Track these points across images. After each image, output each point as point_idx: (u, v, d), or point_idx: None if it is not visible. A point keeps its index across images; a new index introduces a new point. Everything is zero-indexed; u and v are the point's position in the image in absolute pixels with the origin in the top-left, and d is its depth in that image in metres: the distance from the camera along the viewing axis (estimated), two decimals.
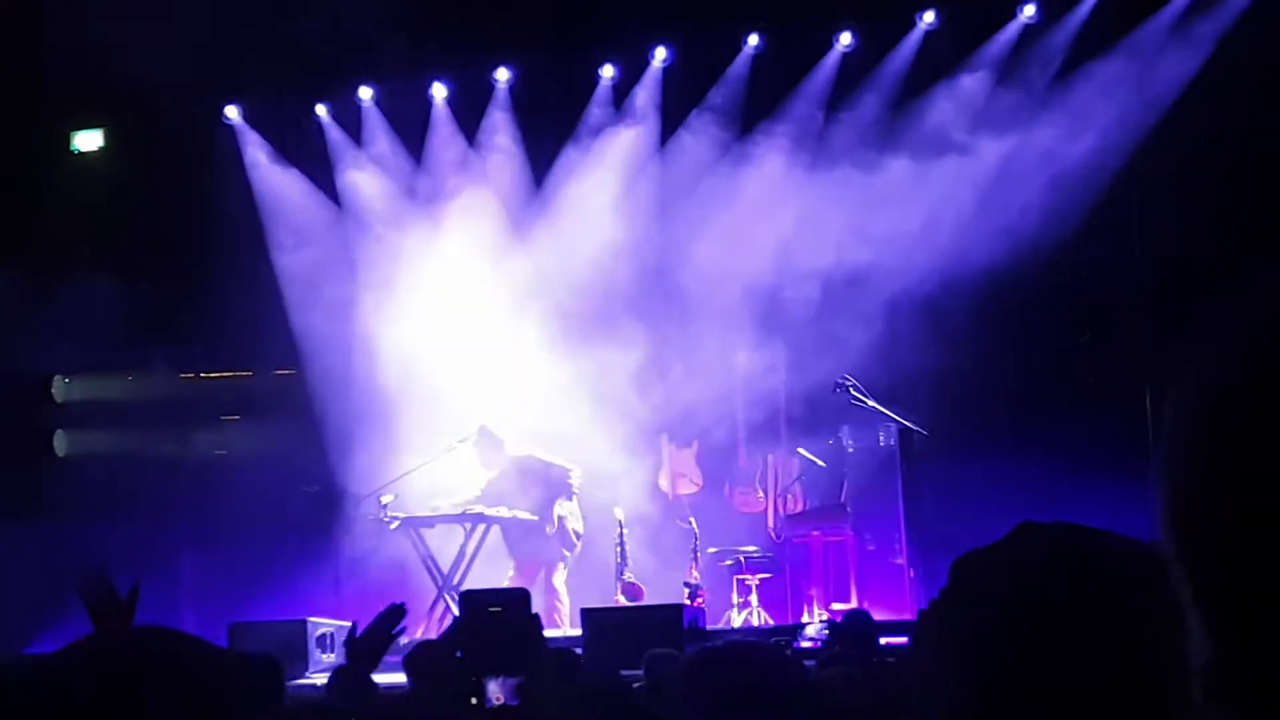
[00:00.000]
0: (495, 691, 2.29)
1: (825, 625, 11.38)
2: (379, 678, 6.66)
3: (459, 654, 2.41)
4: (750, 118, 14.37)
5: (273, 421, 14.92)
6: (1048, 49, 13.71)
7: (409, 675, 2.36)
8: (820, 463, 13.26)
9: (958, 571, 1.78)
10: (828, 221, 13.55)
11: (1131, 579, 1.69)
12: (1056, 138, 13.35)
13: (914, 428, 12.63)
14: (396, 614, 4.12)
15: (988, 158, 13.51)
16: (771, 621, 12.43)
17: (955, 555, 1.80)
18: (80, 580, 3.95)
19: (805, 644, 11.17)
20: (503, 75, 14.74)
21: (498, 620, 2.23)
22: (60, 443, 15.00)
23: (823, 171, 13.82)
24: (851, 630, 9.03)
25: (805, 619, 12.55)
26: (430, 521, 12.91)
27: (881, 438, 12.88)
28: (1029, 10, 13.80)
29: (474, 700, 2.43)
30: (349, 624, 11.71)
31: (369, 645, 4.08)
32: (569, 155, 14.69)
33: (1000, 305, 13.08)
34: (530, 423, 13.49)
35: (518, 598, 2.41)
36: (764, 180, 14.07)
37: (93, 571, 4.05)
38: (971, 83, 13.82)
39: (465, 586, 12.23)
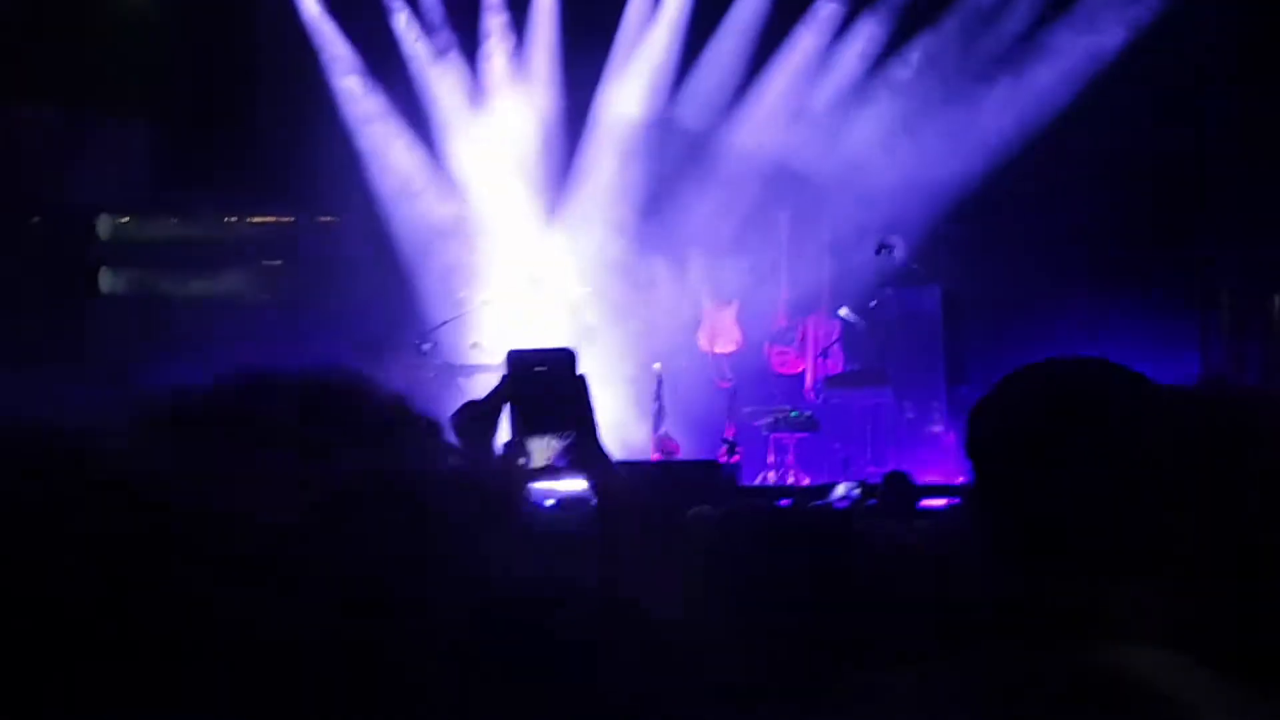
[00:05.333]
0: (545, 451, 2.28)
1: (856, 485, 11.40)
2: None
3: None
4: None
5: (315, 268, 14.94)
6: None
7: (455, 434, 2.33)
8: (862, 324, 13.20)
9: (973, 412, 1.86)
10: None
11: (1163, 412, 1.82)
12: None
13: (957, 291, 12.57)
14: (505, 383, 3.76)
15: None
16: (808, 480, 12.45)
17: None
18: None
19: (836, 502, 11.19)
20: None
21: (543, 379, 2.21)
22: (105, 279, 15.04)
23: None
24: (891, 490, 9.04)
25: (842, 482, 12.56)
26: (468, 370, 12.94)
27: (925, 300, 12.80)
28: None
29: (520, 460, 2.41)
30: None
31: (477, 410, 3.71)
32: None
33: (1049, 183, 12.96)
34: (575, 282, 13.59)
35: (564, 357, 2.33)
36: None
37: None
38: None
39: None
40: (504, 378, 2.57)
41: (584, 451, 2.46)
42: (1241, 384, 10.82)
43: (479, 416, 2.48)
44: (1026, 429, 1.81)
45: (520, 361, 2.60)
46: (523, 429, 2.50)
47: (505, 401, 2.51)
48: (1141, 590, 1.70)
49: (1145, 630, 1.68)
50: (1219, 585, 1.81)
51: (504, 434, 2.53)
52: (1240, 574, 1.83)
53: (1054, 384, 1.86)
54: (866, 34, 13.81)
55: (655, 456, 12.51)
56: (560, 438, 2.47)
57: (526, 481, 2.47)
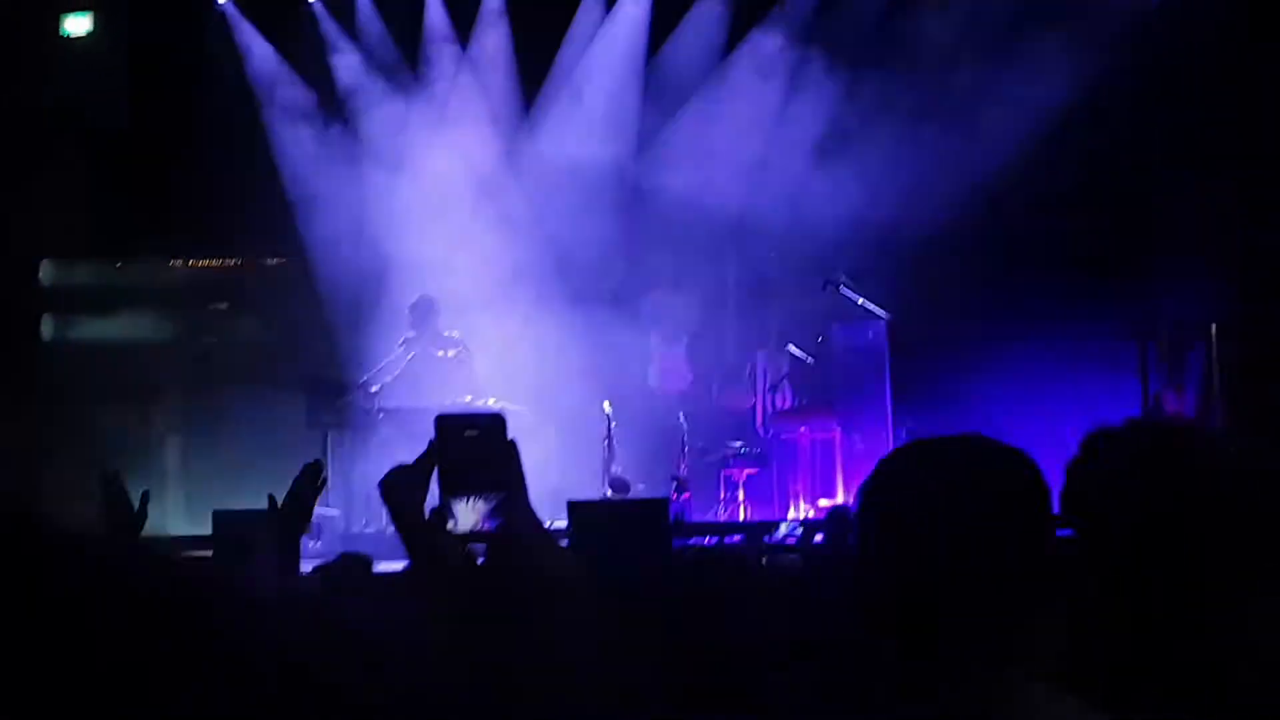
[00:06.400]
0: (471, 514, 2.29)
1: (797, 524, 11.43)
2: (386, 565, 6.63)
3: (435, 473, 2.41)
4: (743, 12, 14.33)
5: (262, 310, 14.90)
6: None
7: (384, 499, 2.37)
8: (809, 359, 13.25)
9: (890, 462, 2.07)
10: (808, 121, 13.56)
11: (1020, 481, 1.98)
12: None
13: (903, 324, 12.63)
14: (315, 470, 4.03)
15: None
16: (754, 517, 12.47)
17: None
18: (97, 482, 3.94)
19: (779, 540, 11.22)
20: None
21: (473, 442, 2.22)
22: (46, 328, 14.95)
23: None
24: (835, 525, 9.05)
25: (790, 515, 12.60)
26: (418, 412, 12.88)
27: (871, 334, 12.85)
28: None
29: (448, 523, 2.43)
30: (335, 512, 11.79)
31: (292, 507, 4.00)
32: (559, 42, 14.67)
33: (992, 206, 13.04)
34: (519, 320, 13.56)
35: (493, 421, 2.34)
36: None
37: (109, 475, 4.04)
38: None
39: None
40: (433, 441, 2.58)
41: (512, 515, 2.47)
42: (1178, 417, 10.96)
43: (408, 480, 2.49)
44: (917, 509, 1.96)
45: (450, 425, 2.61)
46: (451, 492, 2.51)
47: (434, 465, 2.52)
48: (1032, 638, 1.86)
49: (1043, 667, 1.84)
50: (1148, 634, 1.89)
51: (433, 497, 2.54)
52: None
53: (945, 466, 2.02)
54: (814, 79, 13.86)
55: (606, 494, 12.49)
56: (488, 501, 2.48)
57: (452, 543, 2.49)
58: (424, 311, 13.27)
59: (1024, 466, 1.99)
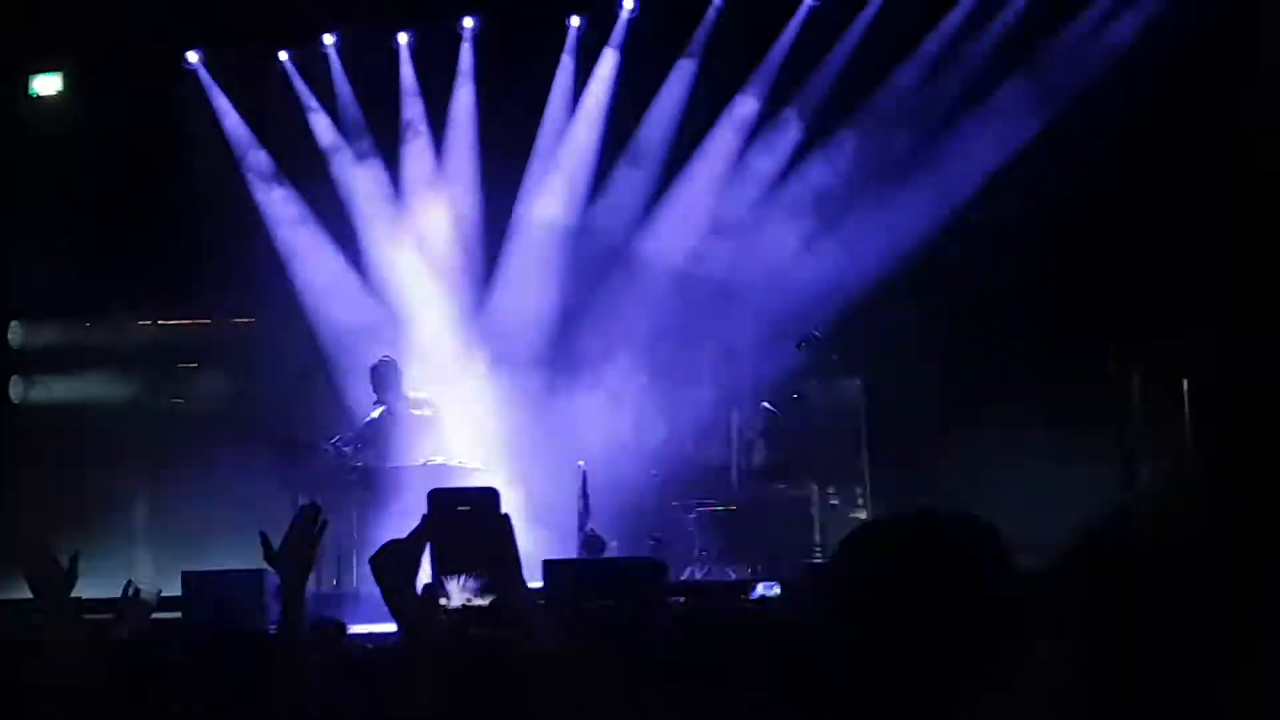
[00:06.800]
0: (463, 590, 2.24)
1: (773, 584, 11.38)
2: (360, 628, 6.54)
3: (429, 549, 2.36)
4: (717, 66, 14.38)
5: (231, 370, 14.83)
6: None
7: (375, 575, 2.30)
8: (785, 417, 13.24)
9: (845, 547, 2.15)
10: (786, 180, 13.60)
11: (979, 553, 2.06)
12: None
13: (878, 382, 12.64)
14: (312, 512, 3.81)
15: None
16: (732, 575, 12.41)
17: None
18: (19, 550, 3.86)
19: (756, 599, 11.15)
20: (468, 24, 14.72)
21: (466, 518, 2.16)
22: (15, 388, 14.85)
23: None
24: (812, 584, 9.02)
25: (766, 574, 12.53)
26: (388, 473, 12.81)
27: (847, 391, 12.86)
28: None
29: (442, 599, 2.38)
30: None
31: (293, 552, 3.75)
32: (533, 104, 14.70)
33: (965, 271, 13.08)
34: (488, 380, 13.52)
35: (487, 496, 2.25)
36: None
37: (32, 541, 3.96)
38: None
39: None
40: (425, 517, 2.53)
41: (505, 590, 2.43)
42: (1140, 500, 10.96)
43: (401, 556, 2.44)
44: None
45: (443, 501, 2.56)
46: (443, 568, 2.47)
47: (427, 541, 2.47)
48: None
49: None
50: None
51: (425, 573, 2.49)
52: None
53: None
54: (787, 137, 13.89)
55: (582, 553, 12.40)
56: (480, 577, 2.44)
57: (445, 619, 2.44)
58: (385, 373, 13.23)
59: (980, 539, 2.07)
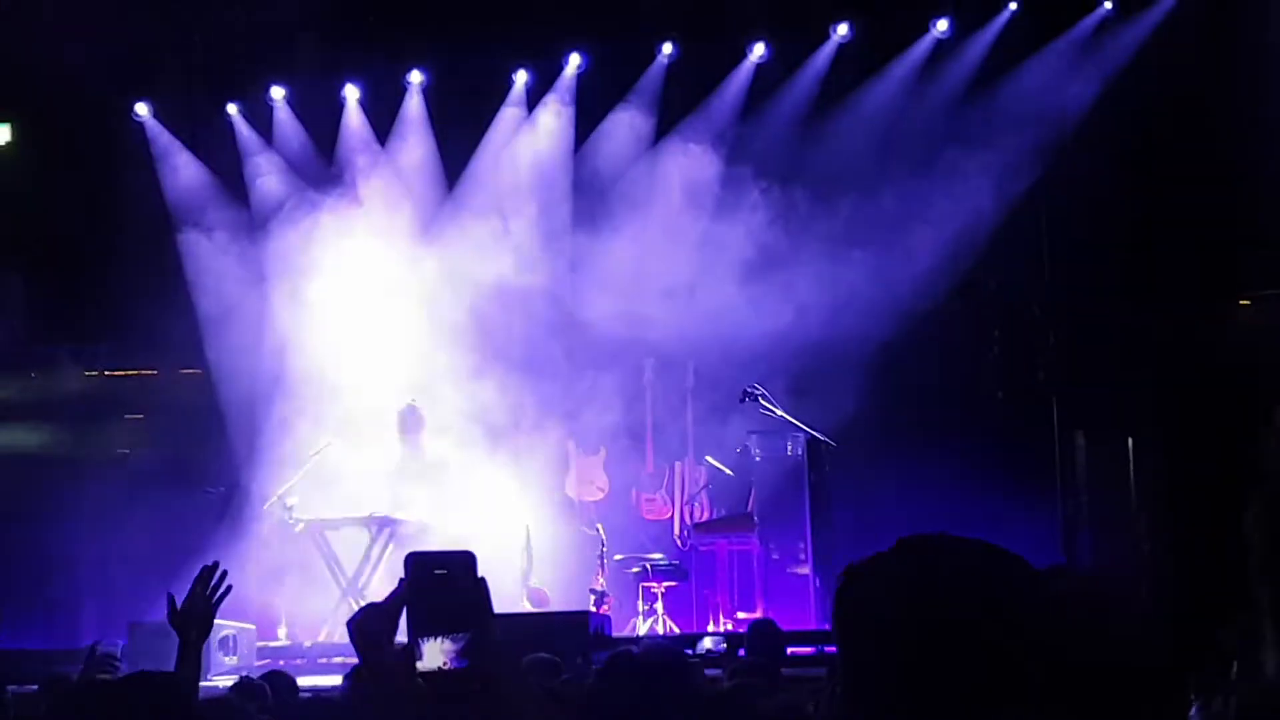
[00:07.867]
0: (439, 653, 2.31)
1: (722, 638, 11.43)
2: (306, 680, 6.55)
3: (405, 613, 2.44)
4: (664, 126, 14.51)
5: (177, 421, 14.78)
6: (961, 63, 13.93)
7: (353, 640, 2.38)
8: (728, 471, 13.34)
9: (840, 585, 2.01)
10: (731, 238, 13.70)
11: (1001, 586, 1.95)
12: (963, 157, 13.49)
13: (822, 438, 12.73)
14: (210, 574, 3.99)
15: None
16: (677, 630, 12.46)
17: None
18: None
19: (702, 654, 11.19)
20: (415, 78, 14.82)
21: (443, 581, 2.23)
22: None
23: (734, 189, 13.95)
24: (759, 639, 9.09)
25: (710, 627, 12.59)
26: (335, 524, 12.81)
27: (789, 447, 12.95)
28: (942, 25, 14.00)
29: (418, 663, 2.45)
30: (251, 626, 11.69)
31: (191, 612, 3.95)
32: (480, 158, 14.79)
33: (911, 322, 13.22)
34: (438, 423, 13.49)
35: (464, 560, 2.33)
36: (677, 190, 14.20)
37: None
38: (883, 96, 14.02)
39: (370, 589, 12.23)
40: (402, 580, 2.61)
41: (480, 652, 2.51)
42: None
43: (378, 618, 2.52)
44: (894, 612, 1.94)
45: (420, 564, 2.64)
46: (420, 630, 2.54)
47: (405, 604, 2.55)
48: None
49: None
50: None
51: (402, 635, 2.57)
52: None
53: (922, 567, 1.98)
54: (736, 197, 13.94)
55: (524, 607, 12.42)
56: (456, 639, 2.51)
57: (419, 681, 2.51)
58: (413, 421, 13.23)
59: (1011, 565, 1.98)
